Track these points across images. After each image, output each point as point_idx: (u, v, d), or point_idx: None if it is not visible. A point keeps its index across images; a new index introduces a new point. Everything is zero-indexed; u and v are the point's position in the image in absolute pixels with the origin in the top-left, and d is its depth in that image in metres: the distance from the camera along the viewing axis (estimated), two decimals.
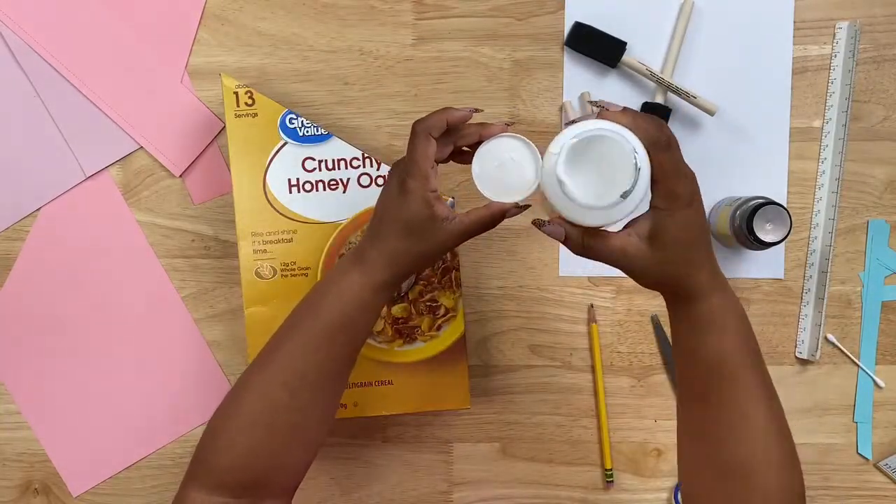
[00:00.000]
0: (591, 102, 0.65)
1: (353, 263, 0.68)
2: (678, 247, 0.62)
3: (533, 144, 0.67)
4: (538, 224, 0.64)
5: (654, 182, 0.61)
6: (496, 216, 0.66)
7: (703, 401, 0.64)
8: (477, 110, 0.68)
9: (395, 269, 0.67)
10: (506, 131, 0.67)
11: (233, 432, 0.66)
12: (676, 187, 0.61)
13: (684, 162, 0.62)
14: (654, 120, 0.61)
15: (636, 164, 0.59)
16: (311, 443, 0.69)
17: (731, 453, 0.62)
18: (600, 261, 0.63)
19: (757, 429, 0.62)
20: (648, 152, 0.60)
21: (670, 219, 0.61)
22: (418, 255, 0.67)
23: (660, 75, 0.85)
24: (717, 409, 0.63)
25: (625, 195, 0.59)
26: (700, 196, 0.62)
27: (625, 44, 0.85)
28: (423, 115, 0.86)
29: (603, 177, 0.60)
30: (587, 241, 0.63)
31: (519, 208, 0.66)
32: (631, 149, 0.59)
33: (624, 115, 0.61)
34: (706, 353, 0.63)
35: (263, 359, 0.69)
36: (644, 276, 0.64)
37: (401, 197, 0.65)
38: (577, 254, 0.64)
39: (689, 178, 0.62)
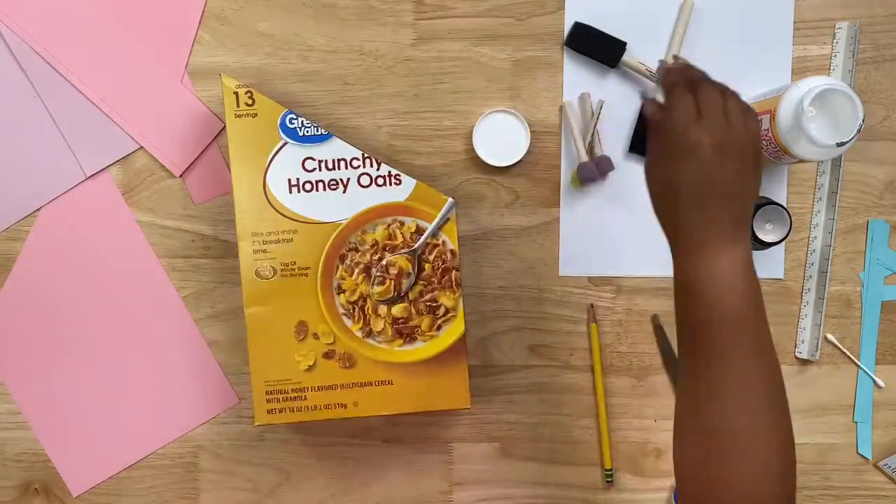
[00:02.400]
0: None
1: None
2: (655, 194, 0.63)
3: (522, 117, 0.85)
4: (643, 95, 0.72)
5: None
6: None
7: (684, 357, 0.63)
8: None
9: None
10: None
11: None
12: (669, 137, 0.62)
13: (686, 123, 0.61)
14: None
15: (860, 122, 0.72)
16: None
17: (708, 416, 0.60)
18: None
19: (737, 398, 0.60)
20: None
21: (657, 167, 0.63)
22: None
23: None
24: (695, 369, 0.62)
25: (840, 144, 0.73)
26: (691, 154, 0.60)
27: (625, 44, 0.85)
28: (423, 115, 0.87)
29: (828, 123, 0.74)
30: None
31: None
32: (861, 107, 0.72)
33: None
34: (680, 312, 0.62)
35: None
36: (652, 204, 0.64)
37: None
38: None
39: (675, 135, 0.61)
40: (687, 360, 0.63)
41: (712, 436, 0.60)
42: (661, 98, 0.85)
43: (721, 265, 0.60)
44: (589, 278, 0.89)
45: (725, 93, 0.63)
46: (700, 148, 0.60)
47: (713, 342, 0.60)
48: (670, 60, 0.85)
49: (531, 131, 0.86)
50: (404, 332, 0.83)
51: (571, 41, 0.86)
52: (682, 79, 0.64)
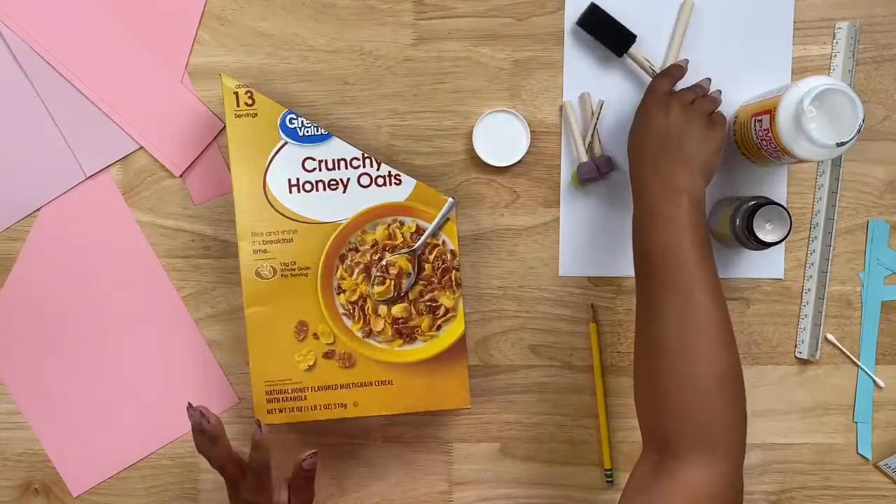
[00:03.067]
0: None
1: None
2: (632, 151, 0.77)
3: (522, 117, 0.85)
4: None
5: None
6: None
7: (637, 292, 0.73)
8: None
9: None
10: None
11: None
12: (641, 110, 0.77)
13: (666, 101, 0.76)
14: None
15: (860, 122, 0.72)
16: None
17: (648, 338, 0.70)
18: None
19: (670, 315, 0.69)
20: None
21: (633, 127, 0.78)
22: None
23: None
24: (642, 298, 0.72)
25: (840, 144, 0.73)
26: (649, 124, 0.76)
27: (635, 36, 0.85)
28: (423, 115, 0.87)
29: (828, 123, 0.73)
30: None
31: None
32: (861, 107, 0.72)
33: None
34: (635, 249, 0.73)
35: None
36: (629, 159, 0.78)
37: None
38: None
39: (655, 110, 0.76)
40: (639, 290, 0.73)
41: (652, 351, 0.69)
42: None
43: (668, 208, 0.71)
44: (589, 278, 0.89)
45: (707, 96, 0.78)
46: (656, 117, 0.75)
47: (659, 270, 0.70)
48: (671, 61, 0.85)
49: (531, 131, 0.86)
50: (404, 332, 0.83)
51: (584, 21, 0.85)
52: (679, 74, 0.80)
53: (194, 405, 0.74)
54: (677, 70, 0.82)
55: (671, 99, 0.77)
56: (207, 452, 0.72)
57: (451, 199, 0.83)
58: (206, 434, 0.71)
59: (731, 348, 0.68)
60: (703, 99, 0.79)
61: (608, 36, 0.85)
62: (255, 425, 0.73)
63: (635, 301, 0.73)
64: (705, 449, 0.65)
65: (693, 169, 0.74)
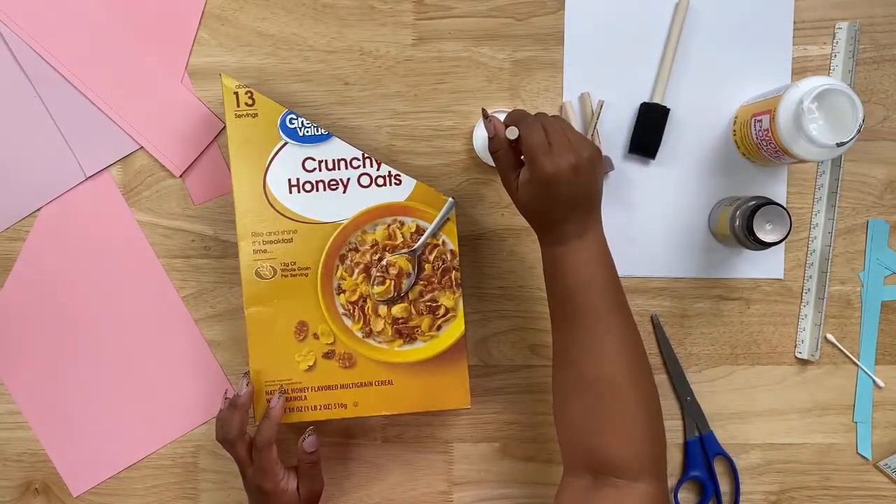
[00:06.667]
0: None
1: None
2: (531, 206, 0.73)
3: None
4: (484, 114, 0.75)
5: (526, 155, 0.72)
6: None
7: (560, 329, 0.73)
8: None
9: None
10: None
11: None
12: (534, 165, 0.70)
13: (557, 148, 0.70)
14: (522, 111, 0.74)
15: (860, 122, 0.72)
16: None
17: (587, 371, 0.71)
18: (499, 171, 0.75)
19: (607, 350, 0.71)
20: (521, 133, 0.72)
21: (528, 186, 0.71)
22: None
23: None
24: (572, 334, 0.72)
25: (840, 144, 0.73)
26: (557, 177, 0.70)
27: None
28: (423, 115, 0.87)
29: (828, 123, 0.74)
30: (504, 151, 0.73)
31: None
32: (861, 107, 0.72)
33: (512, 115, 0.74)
34: (555, 289, 0.73)
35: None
36: (517, 206, 0.74)
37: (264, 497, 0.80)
38: (491, 151, 0.75)
39: (547, 164, 0.70)
40: (560, 328, 0.73)
41: (592, 383, 0.71)
42: (658, 98, 0.86)
43: (581, 248, 0.72)
44: None
45: (562, 123, 0.73)
46: (559, 174, 0.70)
47: (581, 306, 0.71)
48: (668, 62, 0.85)
49: None
50: (404, 333, 0.83)
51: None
52: (526, 114, 0.74)
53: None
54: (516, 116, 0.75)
55: (557, 164, 0.70)
56: (227, 427, 0.77)
57: (451, 199, 0.83)
58: (234, 400, 0.78)
59: (650, 371, 0.73)
60: (579, 136, 0.73)
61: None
62: (277, 394, 0.81)
63: (553, 334, 0.74)
64: (650, 471, 0.70)
65: (596, 209, 0.74)
